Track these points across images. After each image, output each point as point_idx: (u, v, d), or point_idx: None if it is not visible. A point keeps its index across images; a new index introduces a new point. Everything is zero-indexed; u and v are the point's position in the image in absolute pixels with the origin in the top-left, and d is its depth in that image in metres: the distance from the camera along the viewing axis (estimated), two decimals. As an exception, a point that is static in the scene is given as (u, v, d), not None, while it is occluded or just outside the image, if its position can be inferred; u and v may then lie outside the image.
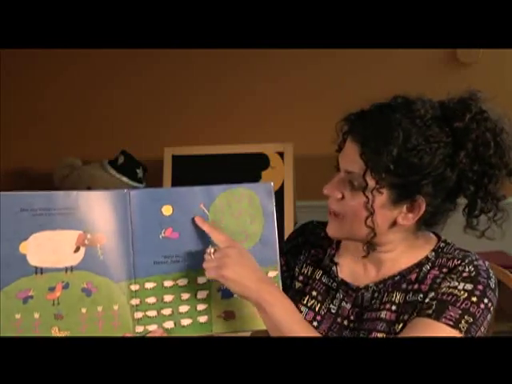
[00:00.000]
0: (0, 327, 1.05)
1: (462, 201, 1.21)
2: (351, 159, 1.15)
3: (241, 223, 1.19)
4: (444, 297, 1.14)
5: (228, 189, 1.19)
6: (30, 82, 3.04)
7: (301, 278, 1.31)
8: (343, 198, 1.18)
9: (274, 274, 1.20)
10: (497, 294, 1.19)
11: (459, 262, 1.19)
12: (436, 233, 1.27)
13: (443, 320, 1.12)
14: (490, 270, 1.20)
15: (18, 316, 1.07)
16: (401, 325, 1.17)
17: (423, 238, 1.25)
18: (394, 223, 1.18)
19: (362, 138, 1.14)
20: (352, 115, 1.19)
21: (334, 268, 1.28)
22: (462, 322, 1.12)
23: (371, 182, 1.13)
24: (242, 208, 1.19)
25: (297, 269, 1.32)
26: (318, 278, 1.29)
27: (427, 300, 1.16)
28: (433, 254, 1.23)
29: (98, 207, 1.12)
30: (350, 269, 1.27)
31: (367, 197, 1.14)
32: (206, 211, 1.17)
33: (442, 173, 1.14)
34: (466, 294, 1.14)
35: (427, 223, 1.21)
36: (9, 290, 1.07)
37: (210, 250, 1.13)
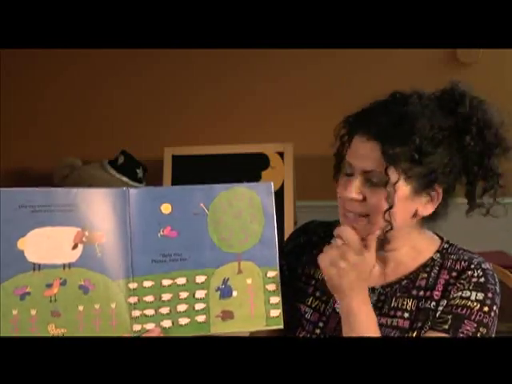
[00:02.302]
0: None
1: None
2: (369, 157, 1.14)
3: (241, 223, 1.19)
4: (459, 310, 1.15)
5: (228, 188, 1.19)
6: (30, 82, 3.04)
7: (304, 278, 1.31)
8: (364, 198, 1.17)
9: (273, 274, 1.19)
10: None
11: (466, 264, 1.19)
12: (438, 234, 1.27)
13: (460, 335, 1.14)
14: (494, 273, 1.21)
15: (14, 312, 1.07)
16: (415, 332, 1.17)
17: (426, 238, 1.25)
18: (415, 214, 1.18)
19: (379, 133, 1.13)
20: (359, 114, 1.19)
21: None
22: (478, 334, 1.14)
23: (393, 176, 1.13)
24: (242, 207, 1.19)
25: (299, 269, 1.32)
26: (320, 278, 1.28)
27: (440, 308, 1.17)
28: (438, 255, 1.23)
29: (97, 205, 1.12)
30: None
31: (389, 192, 1.13)
32: (205, 210, 1.17)
33: (452, 159, 1.16)
34: (478, 305, 1.15)
35: (434, 214, 1.21)
36: (6, 286, 1.06)
37: (338, 241, 1.15)
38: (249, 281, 1.18)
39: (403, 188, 1.14)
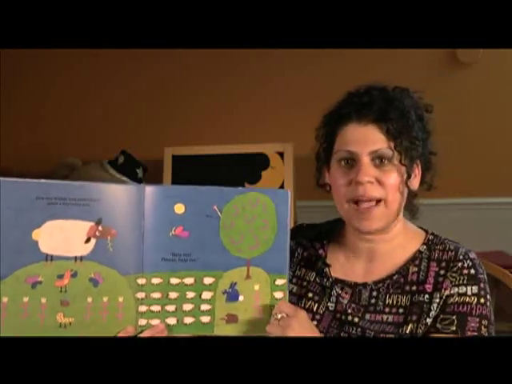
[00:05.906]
0: (7, 308, 1.07)
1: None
2: (373, 139, 1.20)
3: (253, 228, 1.18)
4: (460, 308, 1.18)
5: (244, 192, 1.18)
6: (31, 82, 3.05)
7: (295, 280, 1.32)
8: (378, 180, 1.20)
9: (282, 282, 1.19)
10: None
11: (453, 253, 1.22)
12: (423, 227, 1.30)
13: (468, 333, 1.16)
14: (480, 261, 1.24)
15: (25, 299, 1.09)
16: (409, 326, 1.19)
17: (411, 232, 1.28)
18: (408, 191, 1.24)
19: (379, 114, 1.20)
20: (344, 106, 1.27)
21: (326, 269, 1.29)
22: (482, 327, 1.17)
23: (401, 151, 1.19)
24: (255, 213, 1.18)
25: (290, 272, 1.32)
26: (311, 279, 1.31)
27: (436, 301, 1.19)
28: (424, 247, 1.25)
29: (112, 200, 1.13)
30: (343, 266, 1.29)
31: (405, 164, 1.20)
32: (218, 213, 1.17)
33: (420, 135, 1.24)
34: (475, 299, 1.18)
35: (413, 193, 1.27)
36: (19, 274, 1.08)
37: (277, 316, 1.14)
38: (256, 287, 1.18)
39: (403, 163, 1.20)
